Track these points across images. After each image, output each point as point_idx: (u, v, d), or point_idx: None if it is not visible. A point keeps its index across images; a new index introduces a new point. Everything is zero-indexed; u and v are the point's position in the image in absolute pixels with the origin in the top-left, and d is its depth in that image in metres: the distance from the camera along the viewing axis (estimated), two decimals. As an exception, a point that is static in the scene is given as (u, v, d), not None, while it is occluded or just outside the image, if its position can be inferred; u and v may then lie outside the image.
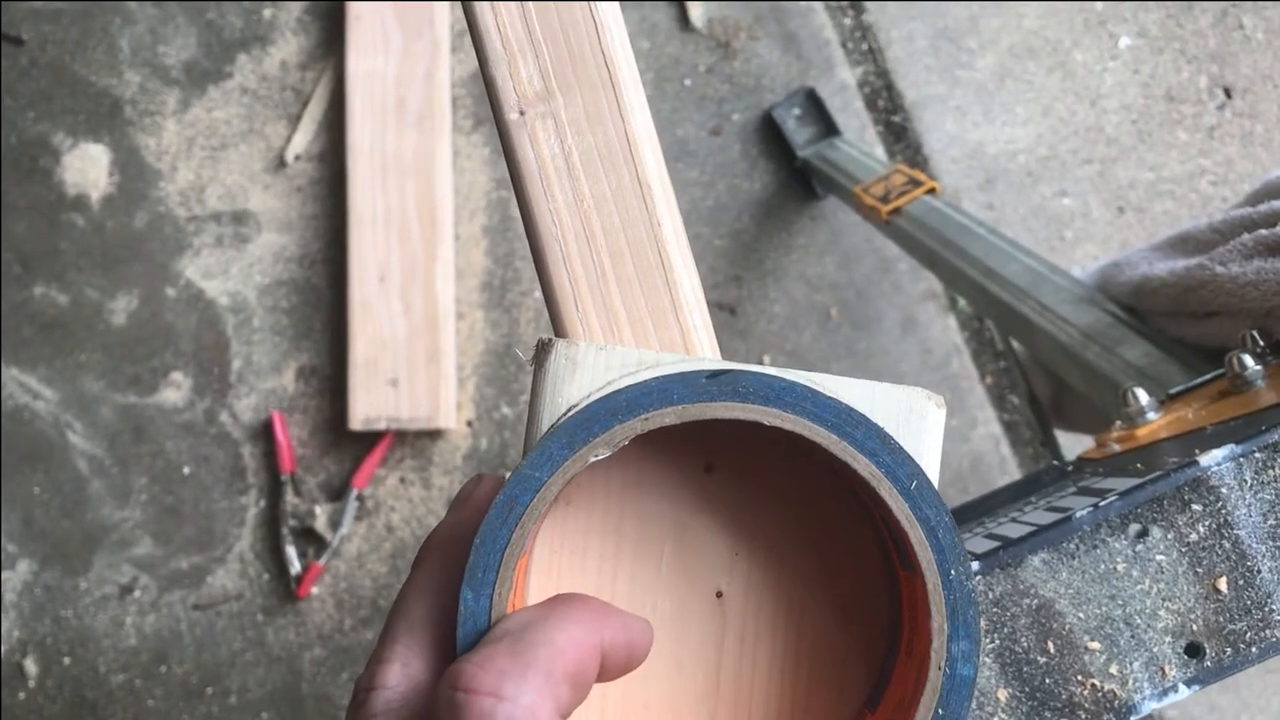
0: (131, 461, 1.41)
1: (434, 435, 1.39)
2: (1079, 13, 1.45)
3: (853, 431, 0.33)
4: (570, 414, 0.33)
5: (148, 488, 1.40)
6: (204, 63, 1.45)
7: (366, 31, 1.40)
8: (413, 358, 1.36)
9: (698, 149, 1.42)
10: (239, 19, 1.45)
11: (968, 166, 1.43)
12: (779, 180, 1.41)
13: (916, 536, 0.32)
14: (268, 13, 1.45)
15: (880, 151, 1.43)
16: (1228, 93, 1.45)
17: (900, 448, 0.33)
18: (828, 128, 1.41)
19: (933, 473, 0.35)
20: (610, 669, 0.32)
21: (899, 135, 1.44)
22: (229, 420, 1.41)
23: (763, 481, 0.37)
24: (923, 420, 0.35)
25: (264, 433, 1.40)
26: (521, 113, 0.40)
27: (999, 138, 1.44)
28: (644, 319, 0.39)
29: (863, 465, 0.33)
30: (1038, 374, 1.00)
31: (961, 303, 1.40)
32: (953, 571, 0.33)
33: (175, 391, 1.41)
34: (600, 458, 0.33)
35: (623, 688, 0.36)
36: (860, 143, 1.41)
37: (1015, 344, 1.20)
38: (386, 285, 1.37)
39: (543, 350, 0.36)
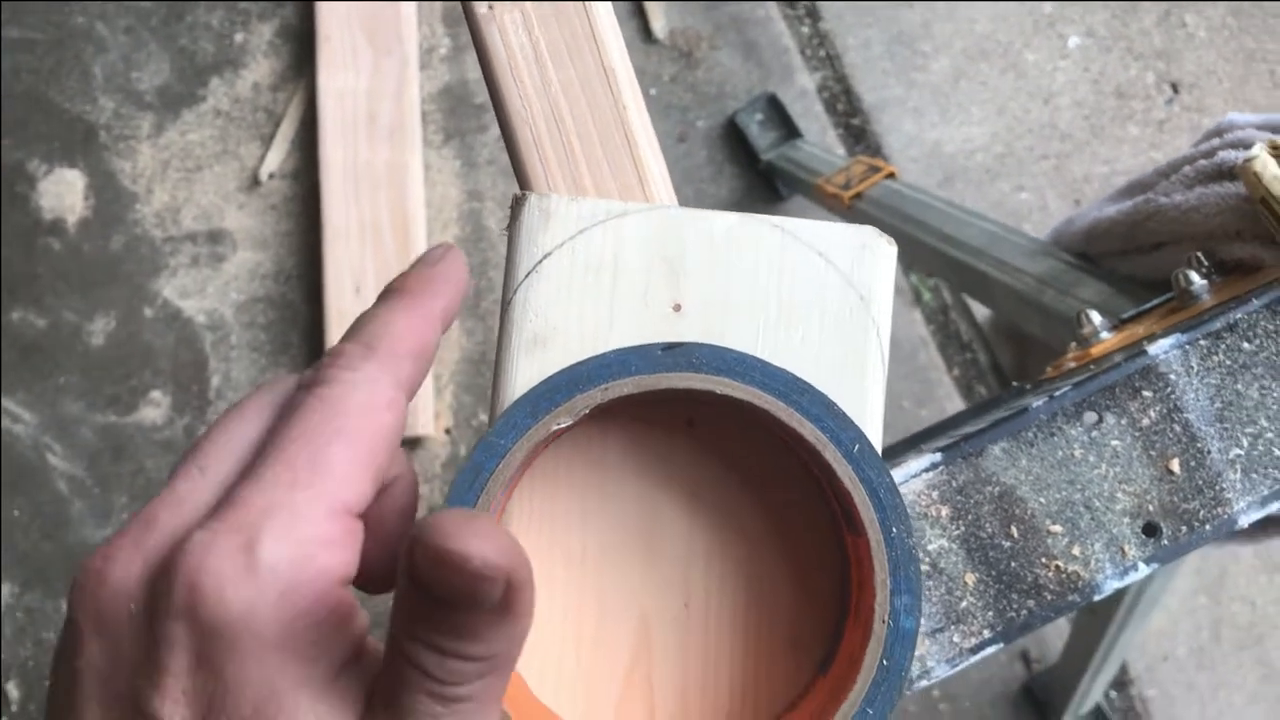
0: (112, 481, 1.41)
1: (413, 443, 1.40)
2: (1028, 15, 1.50)
3: (799, 399, 0.35)
4: (534, 386, 0.36)
5: (129, 506, 1.41)
6: (177, 87, 1.47)
7: (337, 50, 1.43)
8: (390, 367, 1.37)
9: (665, 156, 1.45)
10: (211, 44, 1.48)
11: (927, 165, 1.47)
12: (745, 184, 1.45)
13: (860, 497, 0.35)
14: (239, 36, 1.48)
15: (841, 152, 1.47)
16: (1175, 88, 1.50)
17: (843, 413, 0.35)
18: (790, 131, 1.44)
19: (887, 305, 0.37)
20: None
21: (859, 137, 1.48)
22: (208, 437, 1.42)
23: (724, 456, 0.39)
24: (875, 254, 0.37)
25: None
26: (490, 7, 0.42)
27: (956, 137, 1.48)
28: (613, 194, 0.41)
29: (809, 430, 0.35)
30: (1001, 343, 1.03)
31: (927, 296, 1.43)
32: (894, 529, 0.35)
33: (154, 410, 1.42)
34: (563, 425, 0.35)
35: (591, 655, 0.38)
36: (822, 145, 1.45)
37: (979, 320, 1.23)
38: (362, 297, 1.39)
39: (517, 204, 0.38)
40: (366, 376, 0.33)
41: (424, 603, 0.27)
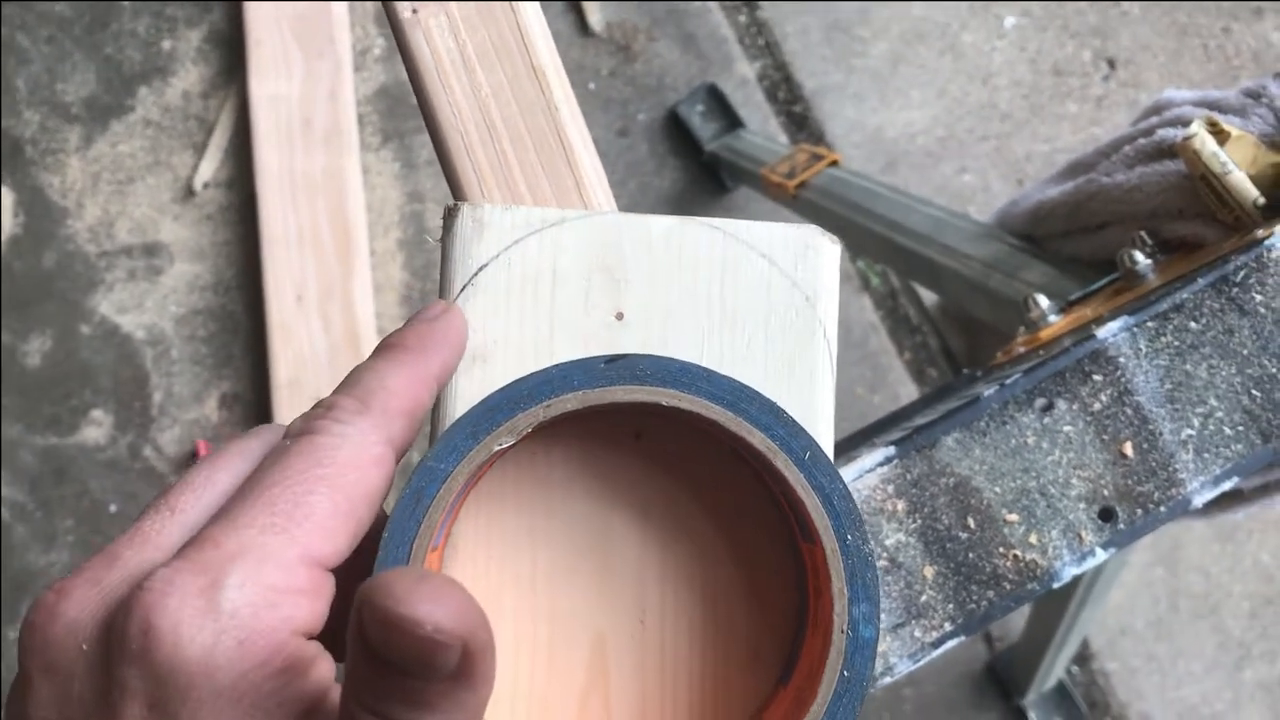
0: (55, 504, 1.38)
1: (364, 451, 1.38)
2: (963, -4, 1.51)
3: (747, 407, 0.34)
4: (473, 405, 0.34)
5: (74, 529, 1.37)
6: (104, 98, 1.44)
7: (268, 55, 1.40)
8: (336, 375, 1.35)
9: (607, 150, 1.44)
10: (137, 52, 1.45)
11: (870, 151, 1.47)
12: (689, 176, 1.44)
13: (812, 504, 0.34)
14: (166, 44, 1.45)
15: (784, 141, 1.46)
16: (1111, 64, 1.51)
17: (793, 420, 0.34)
18: (732, 121, 1.43)
19: (833, 304, 0.36)
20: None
21: (801, 124, 1.48)
22: (153, 454, 1.39)
23: (674, 468, 0.38)
24: (819, 254, 0.36)
25: (190, 464, 1.38)
26: (414, 11, 0.41)
27: (897, 121, 1.48)
28: (549, 200, 0.40)
29: (758, 439, 0.34)
30: (951, 328, 1.03)
31: (875, 281, 1.43)
32: (849, 536, 0.34)
33: (96, 429, 1.39)
34: (505, 446, 0.34)
35: (545, 679, 0.37)
36: (764, 133, 1.44)
37: (928, 305, 1.23)
38: (304, 305, 1.36)
39: (449, 216, 0.37)
40: (357, 430, 0.32)
41: (375, 668, 0.25)
